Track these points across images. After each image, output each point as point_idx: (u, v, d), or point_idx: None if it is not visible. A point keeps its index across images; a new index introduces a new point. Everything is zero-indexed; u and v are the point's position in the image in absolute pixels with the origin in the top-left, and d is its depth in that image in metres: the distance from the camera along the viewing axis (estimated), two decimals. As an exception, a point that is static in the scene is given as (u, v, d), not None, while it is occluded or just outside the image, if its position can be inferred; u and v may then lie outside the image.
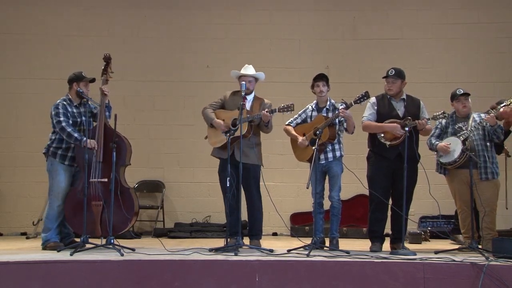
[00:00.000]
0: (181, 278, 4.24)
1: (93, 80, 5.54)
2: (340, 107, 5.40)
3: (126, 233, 6.75)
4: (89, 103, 5.37)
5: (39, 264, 4.31)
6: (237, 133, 5.28)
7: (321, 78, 5.59)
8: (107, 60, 5.59)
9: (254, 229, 5.63)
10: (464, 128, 5.44)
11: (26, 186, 7.69)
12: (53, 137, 5.46)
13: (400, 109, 5.42)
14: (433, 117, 5.29)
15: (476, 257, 4.60)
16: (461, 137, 5.34)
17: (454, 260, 4.40)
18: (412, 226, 7.02)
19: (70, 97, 5.50)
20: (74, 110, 5.45)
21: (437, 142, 5.49)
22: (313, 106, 5.70)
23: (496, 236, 5.31)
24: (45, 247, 5.32)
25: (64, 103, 5.42)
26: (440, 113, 5.27)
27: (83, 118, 5.48)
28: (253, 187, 5.56)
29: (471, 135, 5.36)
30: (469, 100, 5.54)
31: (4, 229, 7.85)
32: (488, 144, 5.43)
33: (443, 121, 5.58)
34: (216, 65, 8.18)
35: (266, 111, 5.35)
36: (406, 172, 4.99)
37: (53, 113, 5.38)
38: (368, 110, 5.44)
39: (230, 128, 5.40)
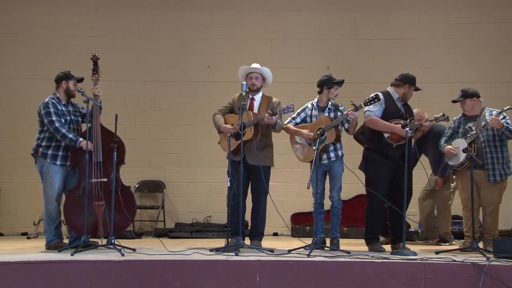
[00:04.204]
0: (182, 278, 4.24)
1: (81, 80, 5.50)
2: (342, 108, 5.43)
3: (127, 233, 6.78)
4: (83, 103, 5.31)
5: (40, 264, 4.30)
6: (245, 137, 5.29)
7: (341, 83, 5.58)
8: (96, 60, 5.56)
9: (256, 231, 5.63)
10: (474, 128, 5.36)
11: (27, 186, 7.69)
12: (41, 136, 5.37)
13: (402, 110, 5.43)
14: (435, 119, 5.30)
15: (477, 257, 4.59)
16: (468, 139, 5.29)
17: (454, 260, 4.40)
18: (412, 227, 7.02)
19: (58, 95, 5.45)
20: (63, 108, 5.40)
21: (445, 145, 5.48)
22: (314, 105, 5.67)
23: (497, 236, 5.31)
24: (48, 247, 5.31)
25: (53, 101, 5.36)
26: (440, 115, 5.26)
27: (72, 117, 5.45)
28: (261, 188, 5.52)
29: (479, 135, 5.28)
30: (468, 102, 5.44)
31: (5, 229, 7.86)
32: (497, 144, 5.33)
33: (456, 120, 5.55)
34: (217, 65, 8.18)
35: (269, 114, 5.32)
36: (407, 172, 5.00)
37: (43, 112, 5.30)
38: (376, 106, 5.34)
39: (239, 132, 5.36)
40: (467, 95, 5.46)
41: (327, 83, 5.57)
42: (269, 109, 5.53)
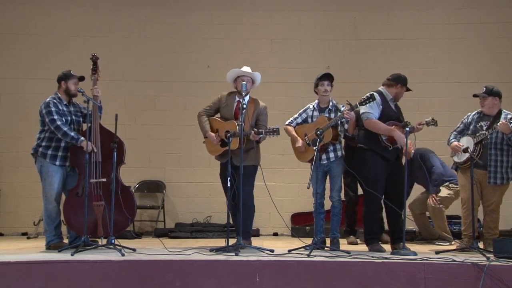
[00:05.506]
0: (182, 278, 4.24)
1: (82, 78, 5.48)
2: (343, 108, 5.42)
3: (127, 233, 6.78)
4: (83, 103, 5.31)
5: (40, 264, 4.31)
6: (231, 146, 5.32)
7: (327, 77, 5.58)
8: (95, 60, 5.56)
9: (241, 229, 5.51)
10: (484, 128, 5.32)
11: (27, 186, 7.69)
12: (41, 136, 5.39)
13: (395, 111, 5.43)
14: (425, 123, 5.30)
15: (477, 257, 4.59)
16: (475, 139, 5.27)
17: (455, 260, 4.40)
18: (411, 226, 7.02)
19: (60, 95, 5.46)
20: (65, 109, 5.41)
21: (453, 140, 5.47)
22: (314, 106, 5.69)
23: (497, 236, 5.31)
24: (48, 247, 5.32)
25: (55, 101, 5.37)
26: (430, 119, 5.24)
27: (73, 117, 5.45)
28: (244, 185, 5.42)
29: (488, 136, 5.24)
30: (490, 99, 5.34)
31: (5, 229, 7.86)
32: (504, 148, 5.28)
33: (469, 116, 5.52)
34: (217, 65, 8.16)
35: (255, 133, 5.36)
36: (406, 172, 5.01)
37: (44, 111, 5.31)
38: (374, 108, 5.32)
39: (224, 140, 5.42)
40: (491, 92, 5.38)
41: (314, 84, 5.63)
42: (256, 113, 5.61)
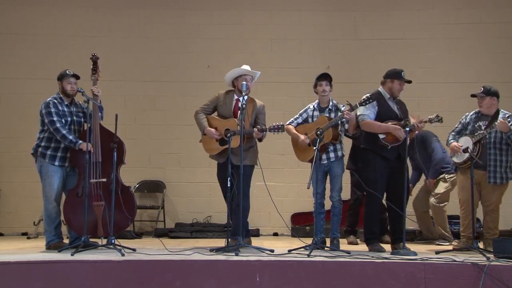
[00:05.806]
0: (182, 278, 4.24)
1: (76, 77, 5.44)
2: (343, 108, 5.42)
3: (127, 233, 6.78)
4: (84, 103, 5.31)
5: (40, 264, 4.31)
6: (232, 145, 5.30)
7: (325, 77, 5.59)
8: (95, 60, 5.56)
9: (240, 228, 5.50)
10: (483, 128, 5.32)
11: (27, 186, 7.69)
12: (41, 136, 5.39)
13: (395, 110, 5.42)
14: (429, 120, 5.29)
15: (477, 257, 4.59)
16: (474, 138, 5.27)
17: (455, 260, 4.40)
18: (411, 226, 7.02)
19: (61, 95, 5.46)
20: (65, 109, 5.41)
21: (452, 141, 5.46)
22: (315, 106, 5.70)
23: (497, 236, 5.31)
24: (49, 247, 5.32)
25: (55, 101, 5.37)
26: (434, 116, 5.25)
27: (74, 117, 5.45)
28: (241, 185, 5.43)
29: (487, 136, 5.25)
30: (488, 99, 5.36)
31: (5, 229, 7.86)
32: (503, 147, 5.30)
33: (468, 117, 5.52)
34: (217, 65, 8.17)
35: (258, 130, 5.37)
36: (406, 172, 5.00)
37: (44, 111, 5.31)
38: (369, 109, 5.34)
39: (224, 138, 5.42)
40: (489, 92, 5.39)
41: (313, 84, 5.64)
42: (255, 112, 5.61)
